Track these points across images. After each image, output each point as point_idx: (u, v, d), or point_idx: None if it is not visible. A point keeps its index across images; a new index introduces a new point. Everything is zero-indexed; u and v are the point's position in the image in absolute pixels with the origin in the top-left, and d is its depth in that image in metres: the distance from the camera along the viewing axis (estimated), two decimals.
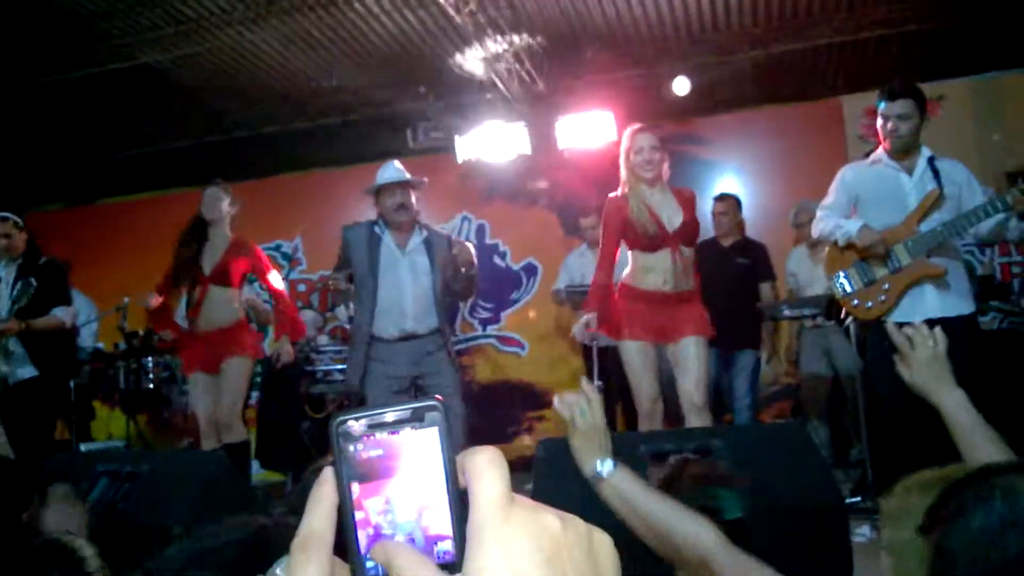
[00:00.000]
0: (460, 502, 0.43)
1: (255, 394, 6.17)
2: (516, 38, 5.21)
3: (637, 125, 3.77)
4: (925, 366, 1.54)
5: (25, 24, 5.15)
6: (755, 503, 1.82)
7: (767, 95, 6.58)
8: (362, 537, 0.42)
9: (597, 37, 5.69)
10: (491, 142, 5.87)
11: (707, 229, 5.44)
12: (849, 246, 3.41)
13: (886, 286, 3.31)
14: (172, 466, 2.87)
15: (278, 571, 0.45)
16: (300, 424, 5.36)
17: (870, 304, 3.36)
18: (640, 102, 5.97)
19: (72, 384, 4.94)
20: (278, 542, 0.81)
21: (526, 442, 6.54)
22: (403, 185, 3.80)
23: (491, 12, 4.87)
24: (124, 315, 5.07)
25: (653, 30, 5.70)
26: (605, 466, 1.40)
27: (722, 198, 5.22)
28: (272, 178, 7.50)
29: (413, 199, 3.82)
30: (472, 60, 5.63)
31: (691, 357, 3.54)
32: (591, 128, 5.64)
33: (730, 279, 5.01)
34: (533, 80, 5.63)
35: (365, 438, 0.43)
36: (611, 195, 3.79)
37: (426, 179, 4.03)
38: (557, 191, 6.71)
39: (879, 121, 3.37)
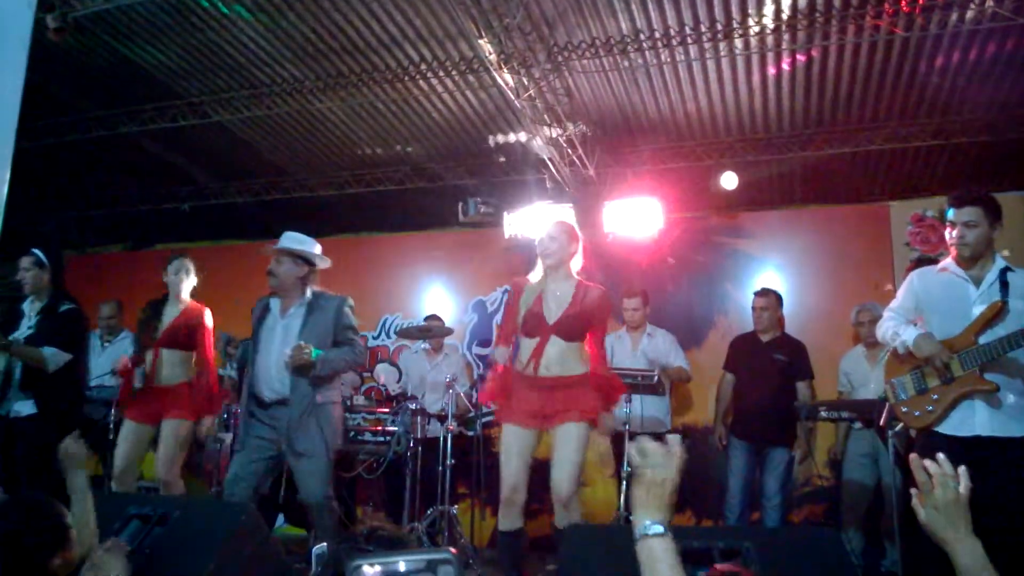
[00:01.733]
0: None
1: None
2: (571, 124, 5.39)
3: (555, 219, 3.96)
4: (943, 508, 1.47)
5: (109, 77, 5.50)
6: None
7: (814, 195, 6.66)
8: None
9: (649, 128, 5.86)
10: (538, 221, 6.00)
11: (746, 323, 5.47)
12: (908, 354, 3.35)
13: (935, 396, 3.23)
14: (201, 513, 2.90)
15: None
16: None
17: (918, 413, 3.28)
18: (687, 192, 6.09)
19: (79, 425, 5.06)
20: None
21: (549, 521, 6.45)
22: (277, 252, 3.95)
23: (549, 99, 5.05)
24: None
25: (704, 126, 5.85)
26: (653, 528, 1.38)
27: (763, 293, 5.23)
28: (323, 239, 7.72)
29: (285, 268, 3.89)
30: (527, 142, 5.83)
31: (562, 445, 3.52)
32: (637, 214, 5.75)
33: (767, 375, 4.99)
34: (584, 165, 5.78)
35: None
36: (516, 279, 3.91)
37: (314, 253, 4.03)
38: (598, 272, 6.76)
39: (947, 228, 3.33)
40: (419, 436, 5.45)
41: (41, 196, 7.25)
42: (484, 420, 6.32)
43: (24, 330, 4.40)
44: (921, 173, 6.26)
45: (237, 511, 2.81)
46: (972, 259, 3.29)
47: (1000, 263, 3.31)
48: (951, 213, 3.31)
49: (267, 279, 3.94)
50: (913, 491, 1.54)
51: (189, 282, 4.58)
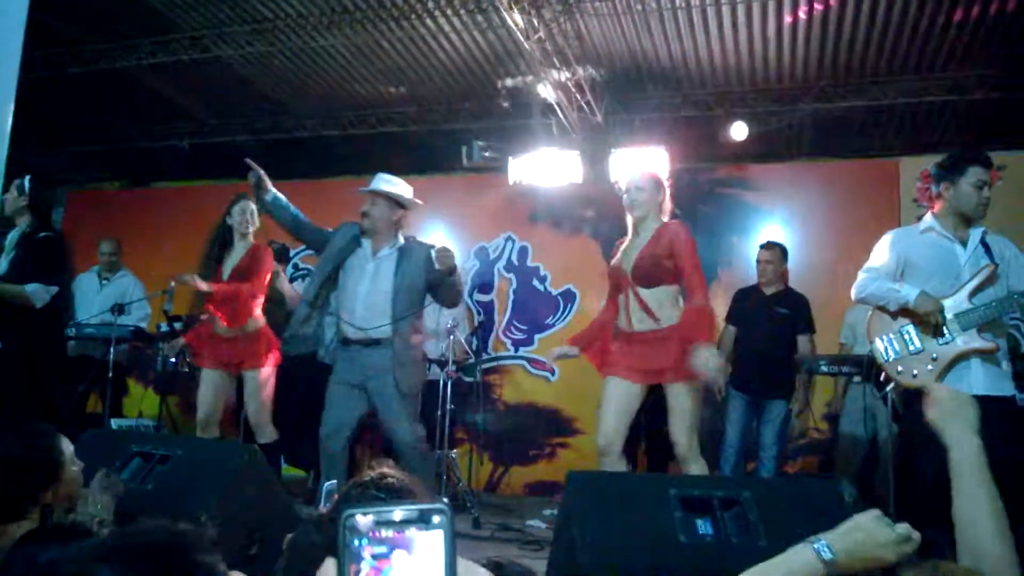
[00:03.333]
0: None
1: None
2: (580, 69, 5.28)
3: (639, 168, 3.87)
4: (952, 405, 1.56)
5: (108, 9, 5.35)
6: None
7: (824, 148, 6.56)
8: None
9: (660, 76, 5.74)
10: (543, 167, 5.92)
11: (750, 276, 5.44)
12: (901, 311, 3.35)
13: (935, 356, 3.24)
14: (205, 454, 2.92)
15: None
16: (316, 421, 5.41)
17: (916, 372, 3.29)
18: (695, 142, 6.00)
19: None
20: (195, 552, 0.82)
21: (547, 467, 6.54)
22: (369, 194, 3.92)
23: (559, 41, 4.93)
24: (170, 298, 5.16)
25: (716, 74, 5.73)
26: (827, 554, 1.32)
27: (768, 246, 5.19)
28: (326, 181, 7.65)
29: (380, 211, 3.87)
30: (534, 85, 5.71)
31: (677, 404, 3.49)
32: (644, 163, 5.66)
33: (769, 327, 4.98)
34: (592, 111, 5.68)
35: (371, 533, 0.43)
36: (620, 239, 3.83)
37: (409, 198, 3.97)
38: (603, 222, 6.73)
39: (969, 188, 3.25)
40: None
41: (38, 130, 7.13)
42: (484, 367, 6.35)
43: (4, 263, 4.15)
44: (933, 129, 6.16)
45: (240, 451, 2.82)
46: (970, 222, 3.30)
47: (980, 227, 3.33)
48: (979, 171, 3.25)
49: (361, 220, 3.90)
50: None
51: (253, 222, 4.48)
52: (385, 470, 1.79)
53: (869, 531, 1.36)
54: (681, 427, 3.49)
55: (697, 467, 3.53)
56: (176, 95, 6.62)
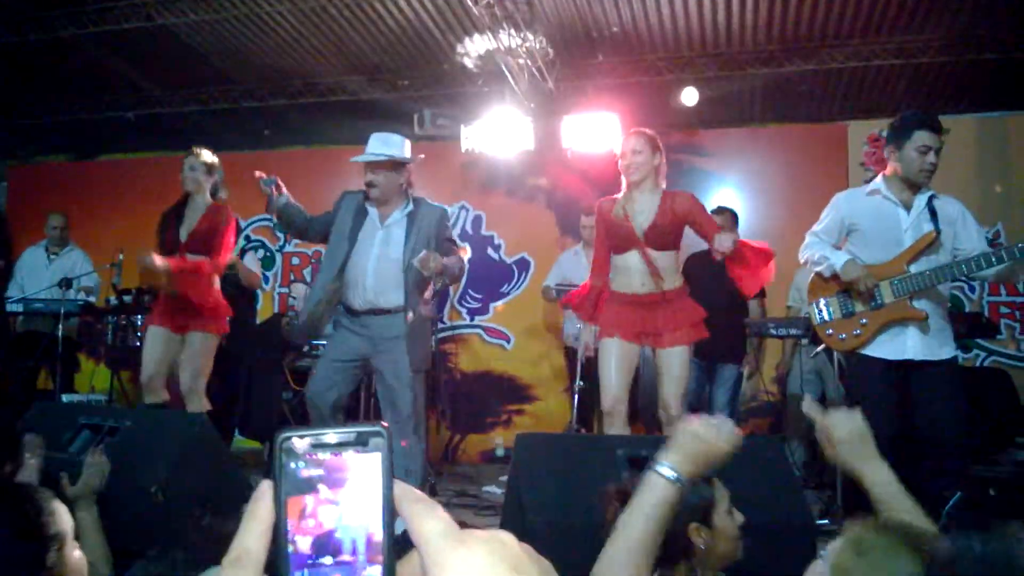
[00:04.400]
0: (393, 529, 0.43)
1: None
2: (530, 34, 5.24)
3: (632, 129, 3.78)
4: (846, 443, 1.51)
5: None
6: None
7: (773, 113, 6.63)
8: (293, 554, 0.42)
9: (610, 41, 5.72)
10: (495, 135, 5.90)
11: (701, 241, 5.50)
12: (833, 277, 3.41)
13: (863, 321, 3.31)
14: (154, 424, 2.89)
15: None
16: (281, 395, 5.39)
17: (844, 336, 3.36)
18: (647, 108, 6.01)
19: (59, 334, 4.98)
20: None
21: (502, 434, 6.60)
22: (373, 164, 3.69)
23: (508, 6, 4.89)
24: (118, 271, 5.08)
25: (667, 39, 5.73)
26: (670, 472, 1.37)
27: (719, 211, 5.26)
28: (276, 151, 7.52)
29: (385, 177, 3.66)
30: (484, 51, 5.66)
31: (670, 368, 3.55)
32: (596, 130, 5.67)
33: (720, 292, 5.04)
34: (543, 77, 5.66)
35: (308, 456, 0.42)
36: (602, 199, 3.83)
37: (412, 156, 3.84)
38: (557, 190, 6.75)
39: (913, 152, 3.21)
40: None
41: None
42: (439, 336, 6.36)
43: None
44: (880, 94, 6.26)
45: (190, 421, 2.80)
46: (918, 186, 3.31)
47: (927, 190, 3.32)
48: (925, 135, 3.21)
49: (369, 191, 3.69)
50: (817, 433, 1.58)
51: (208, 179, 4.26)
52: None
53: (699, 435, 1.43)
54: (674, 392, 3.53)
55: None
56: (120, 65, 6.42)
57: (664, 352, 3.57)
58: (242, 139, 7.54)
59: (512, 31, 5.12)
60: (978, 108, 6.22)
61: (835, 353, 4.34)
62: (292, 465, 0.42)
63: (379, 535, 0.43)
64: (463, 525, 0.44)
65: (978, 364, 5.90)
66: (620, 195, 3.72)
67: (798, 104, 6.46)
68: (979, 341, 5.82)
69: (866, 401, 3.08)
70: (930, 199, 3.32)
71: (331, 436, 0.43)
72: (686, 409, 3.57)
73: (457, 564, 0.42)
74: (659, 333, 3.56)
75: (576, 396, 5.03)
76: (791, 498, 2.60)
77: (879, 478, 1.48)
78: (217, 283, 4.29)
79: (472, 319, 6.88)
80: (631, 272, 3.61)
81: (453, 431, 6.70)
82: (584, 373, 4.93)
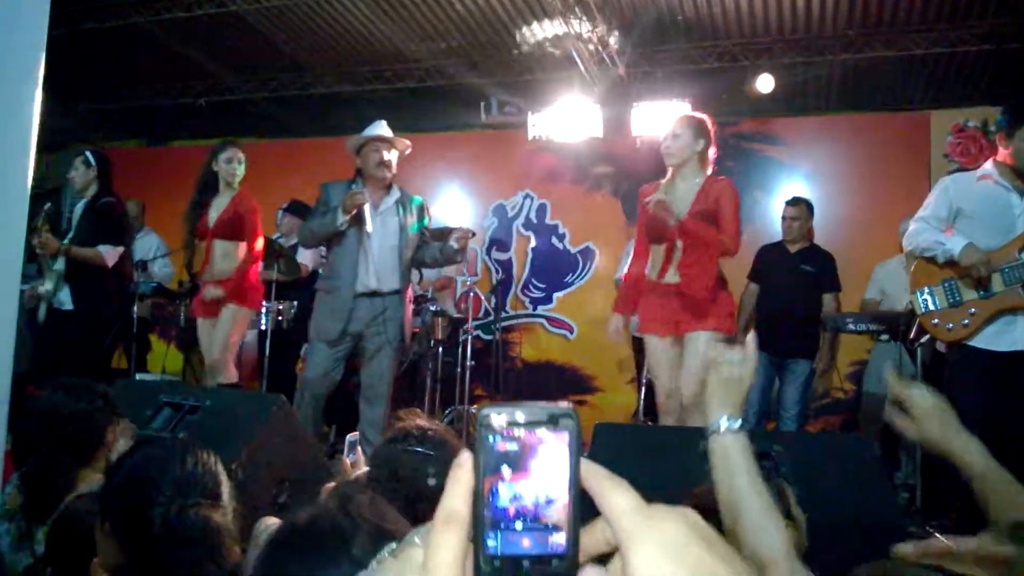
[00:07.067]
0: (579, 501, 0.46)
1: (306, 345, 6.27)
2: (601, 19, 5.15)
3: (681, 114, 3.70)
4: (930, 418, 1.43)
5: None
6: (811, 513, 1.78)
7: (852, 101, 6.41)
8: (488, 517, 0.46)
9: (684, 26, 5.60)
10: (563, 122, 5.82)
11: (775, 232, 5.36)
12: (947, 263, 3.27)
13: (972, 310, 3.16)
14: (233, 403, 2.92)
15: (416, 540, 0.49)
16: (350, 379, 5.42)
17: (951, 326, 3.22)
18: (719, 95, 5.87)
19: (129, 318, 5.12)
20: None
21: None
22: (386, 142, 3.89)
23: None
24: (191, 255, 5.17)
25: (742, 24, 5.58)
26: (731, 422, 1.33)
27: (795, 203, 5.10)
28: (340, 137, 7.57)
29: (394, 158, 3.92)
30: (554, 37, 5.59)
31: (691, 353, 3.43)
32: (666, 117, 5.56)
33: (793, 286, 4.91)
34: (614, 63, 5.57)
35: (505, 432, 0.46)
36: (645, 184, 3.73)
37: (409, 143, 4.06)
38: (624, 177, 6.65)
39: (1021, 144, 3.09)
40: (439, 337, 5.46)
41: (53, 88, 7.08)
42: (502, 324, 6.34)
43: (71, 234, 4.38)
44: (966, 81, 5.99)
45: (269, 401, 2.82)
46: None
47: None
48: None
49: (379, 170, 3.89)
50: (895, 416, 1.49)
51: (240, 170, 4.43)
52: (420, 422, 1.78)
53: (725, 377, 1.41)
54: (689, 379, 3.42)
55: (702, 420, 3.50)
56: (191, 51, 6.54)
57: (686, 338, 3.49)
58: (311, 126, 7.62)
59: (583, 16, 5.04)
60: None
61: (919, 351, 4.18)
62: (490, 439, 0.46)
63: (565, 506, 0.46)
64: None
65: None
66: (663, 181, 3.62)
67: (878, 92, 6.23)
68: None
69: (968, 393, 2.96)
70: None
71: (526, 415, 0.47)
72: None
73: (653, 538, 0.44)
74: (685, 320, 3.48)
75: (644, 387, 4.94)
76: (881, 497, 2.49)
77: (972, 448, 1.39)
78: (257, 267, 4.51)
79: (535, 308, 6.83)
80: (665, 261, 3.54)
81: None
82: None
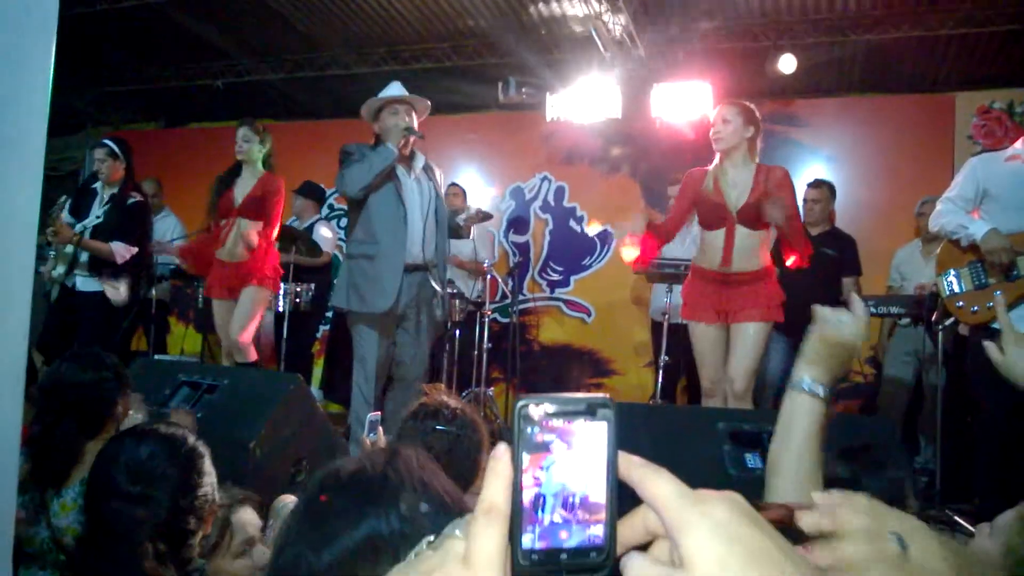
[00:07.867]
0: (617, 492, 0.47)
1: (323, 327, 6.29)
2: None
3: (728, 99, 3.68)
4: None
5: None
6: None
7: (875, 83, 6.30)
8: (527, 509, 0.46)
9: (704, 5, 5.51)
10: (582, 103, 5.77)
11: None
12: (970, 247, 3.21)
13: (997, 293, 3.13)
14: (251, 383, 2.94)
15: (457, 532, 0.48)
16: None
17: (976, 308, 3.17)
18: (741, 76, 5.79)
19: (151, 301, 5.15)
20: None
21: None
22: (406, 103, 3.70)
23: None
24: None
25: (764, 3, 5.49)
26: (817, 388, 1.22)
27: (816, 184, 5.03)
28: (357, 119, 7.55)
29: (414, 121, 3.70)
30: (573, 16, 5.52)
31: (741, 344, 3.47)
32: (687, 98, 5.50)
33: (814, 269, 4.83)
34: (633, 43, 5.50)
35: (543, 423, 0.46)
36: (693, 168, 3.74)
37: (428, 103, 3.87)
38: (643, 159, 6.59)
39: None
40: (456, 320, 5.46)
41: (69, 69, 7.10)
42: (519, 307, 6.32)
43: (93, 218, 4.43)
44: (992, 62, 5.87)
45: (286, 381, 2.83)
46: None
47: None
48: None
49: (409, 136, 3.62)
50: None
51: (263, 149, 4.40)
52: (445, 399, 1.76)
53: (828, 339, 1.27)
54: (741, 368, 3.46)
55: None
56: (208, 32, 6.52)
57: (734, 327, 3.52)
58: (328, 107, 7.60)
59: None
60: None
61: (940, 336, 4.12)
62: (528, 430, 0.46)
63: (603, 497, 0.46)
64: None
65: None
66: (712, 167, 3.58)
67: (902, 73, 6.11)
68: None
69: (991, 377, 2.90)
70: None
71: (564, 406, 0.47)
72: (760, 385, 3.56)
73: (702, 522, 0.44)
74: (735, 309, 3.50)
75: (660, 371, 4.92)
76: (901, 481, 2.46)
77: None
78: (274, 247, 4.51)
79: (552, 291, 6.81)
80: (714, 249, 3.53)
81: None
82: (669, 348, 4.82)
